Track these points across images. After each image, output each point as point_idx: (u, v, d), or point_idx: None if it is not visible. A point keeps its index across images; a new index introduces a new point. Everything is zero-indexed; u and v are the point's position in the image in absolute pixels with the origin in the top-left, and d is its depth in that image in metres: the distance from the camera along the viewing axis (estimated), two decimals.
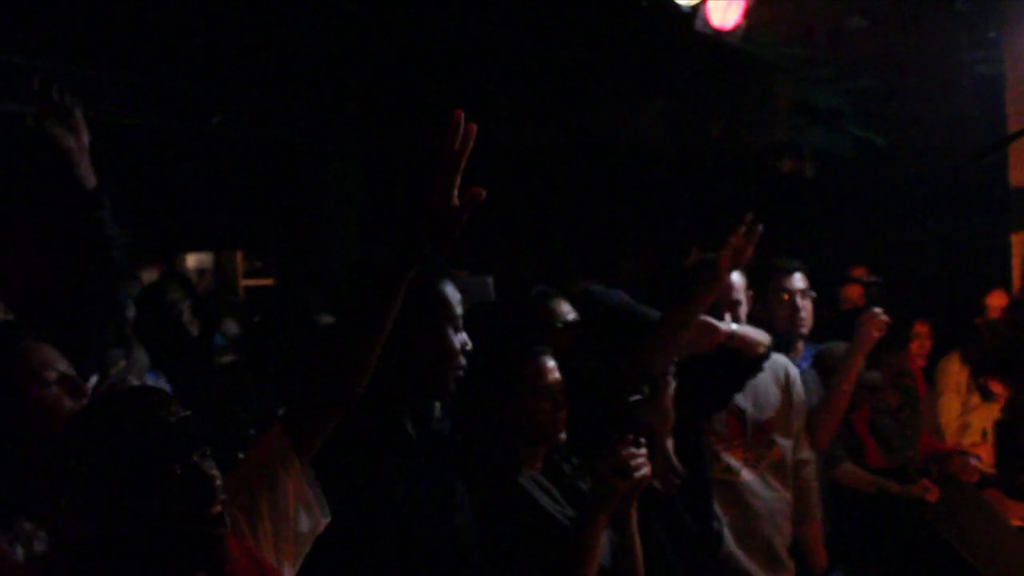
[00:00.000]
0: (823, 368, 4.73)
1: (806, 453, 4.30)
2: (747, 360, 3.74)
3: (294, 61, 8.04)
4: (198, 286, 8.21)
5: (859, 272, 6.89)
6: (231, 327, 5.70)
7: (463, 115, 2.01)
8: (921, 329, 6.06)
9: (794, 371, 4.30)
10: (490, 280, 3.64)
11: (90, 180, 2.79)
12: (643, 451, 2.85)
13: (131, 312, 3.66)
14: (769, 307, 4.39)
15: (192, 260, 11.01)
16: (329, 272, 8.36)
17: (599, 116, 8.73)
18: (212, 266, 11.33)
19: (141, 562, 1.83)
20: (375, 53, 7.95)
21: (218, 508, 1.85)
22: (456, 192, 2.03)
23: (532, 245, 8.68)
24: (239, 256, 11.34)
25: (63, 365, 2.15)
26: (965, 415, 6.04)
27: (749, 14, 6.13)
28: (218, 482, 1.85)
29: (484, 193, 2.01)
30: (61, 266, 2.94)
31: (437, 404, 3.06)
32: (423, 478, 2.54)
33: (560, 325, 3.50)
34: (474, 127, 2.01)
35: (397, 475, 2.46)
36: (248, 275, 11.29)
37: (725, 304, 3.95)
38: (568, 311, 3.58)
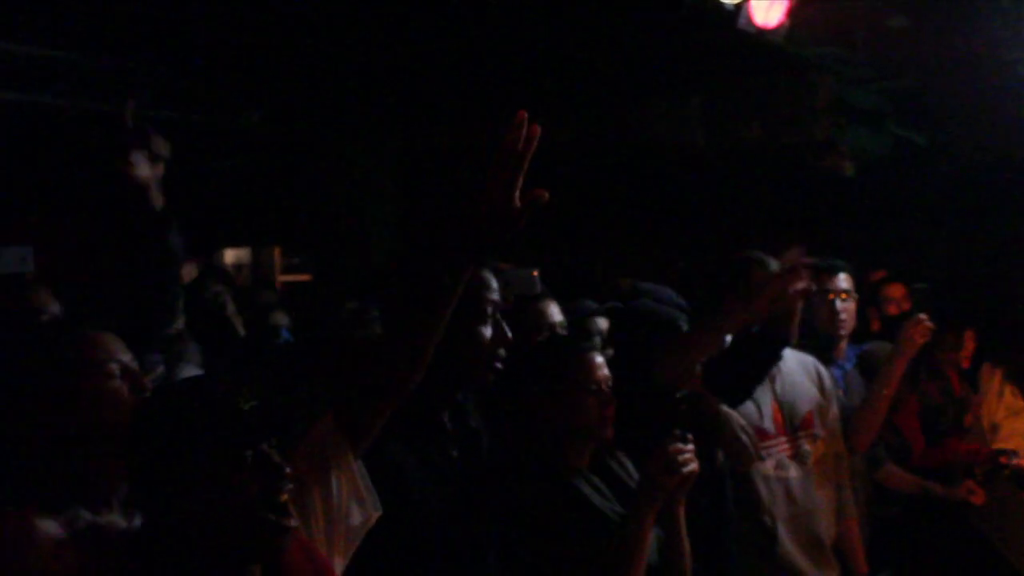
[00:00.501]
0: (866, 369, 4.71)
1: (841, 448, 4.27)
2: (766, 350, 3.69)
3: (332, 58, 8.07)
4: (236, 282, 8.28)
5: (880, 275, 6.82)
6: (281, 319, 5.74)
7: (527, 115, 1.99)
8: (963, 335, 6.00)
9: (822, 367, 4.28)
10: (535, 273, 3.63)
11: (158, 202, 2.86)
12: (690, 447, 2.85)
13: (181, 320, 3.72)
14: (811, 307, 4.36)
15: (230, 256, 11.07)
16: (366, 267, 8.40)
17: (636, 114, 8.72)
18: (249, 262, 11.39)
19: (205, 548, 1.85)
20: (413, 49, 7.97)
21: (285, 497, 1.86)
22: (517, 193, 2.02)
23: (572, 242, 8.70)
24: (276, 252, 11.39)
25: (127, 357, 2.17)
26: (1008, 418, 5.99)
27: (792, 13, 6.11)
28: (287, 471, 1.87)
29: (547, 195, 2.00)
30: (117, 265, 2.99)
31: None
32: (452, 469, 2.54)
33: (547, 329, 3.47)
34: (537, 127, 1.99)
35: (421, 470, 2.45)
36: (285, 271, 11.34)
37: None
38: (555, 313, 3.56)
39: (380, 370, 2.17)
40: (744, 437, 3.46)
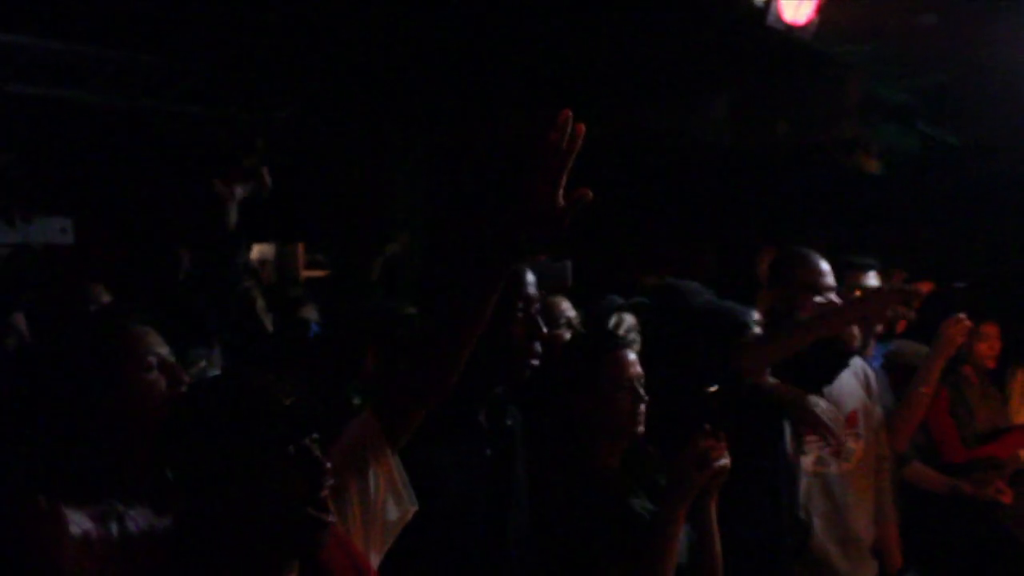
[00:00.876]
0: (893, 368, 4.69)
1: (885, 451, 4.27)
2: (836, 353, 3.69)
3: (359, 54, 8.08)
4: (261, 277, 8.30)
5: (897, 274, 6.77)
6: (311, 314, 5.75)
7: (570, 114, 1.97)
8: (989, 330, 5.96)
9: (870, 370, 4.28)
10: (568, 264, 3.62)
11: (233, 220, 2.93)
12: (722, 443, 2.84)
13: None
14: None
15: (254, 252, 11.09)
16: (393, 264, 8.41)
17: (663, 111, 8.70)
18: (274, 257, 11.41)
19: (244, 543, 1.86)
20: (440, 45, 7.97)
21: (325, 492, 1.87)
22: (562, 192, 2.01)
23: (599, 239, 8.67)
24: (300, 248, 11.41)
25: (164, 351, 2.18)
26: None
27: (821, 10, 6.08)
28: (328, 466, 1.87)
29: (591, 194, 1.98)
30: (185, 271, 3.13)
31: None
32: (486, 468, 2.53)
33: (561, 325, 3.47)
34: (582, 126, 1.98)
35: (455, 463, 2.45)
36: (310, 267, 11.36)
37: (821, 290, 3.93)
38: (568, 308, 3.54)
39: (420, 367, 2.17)
40: (828, 422, 3.49)
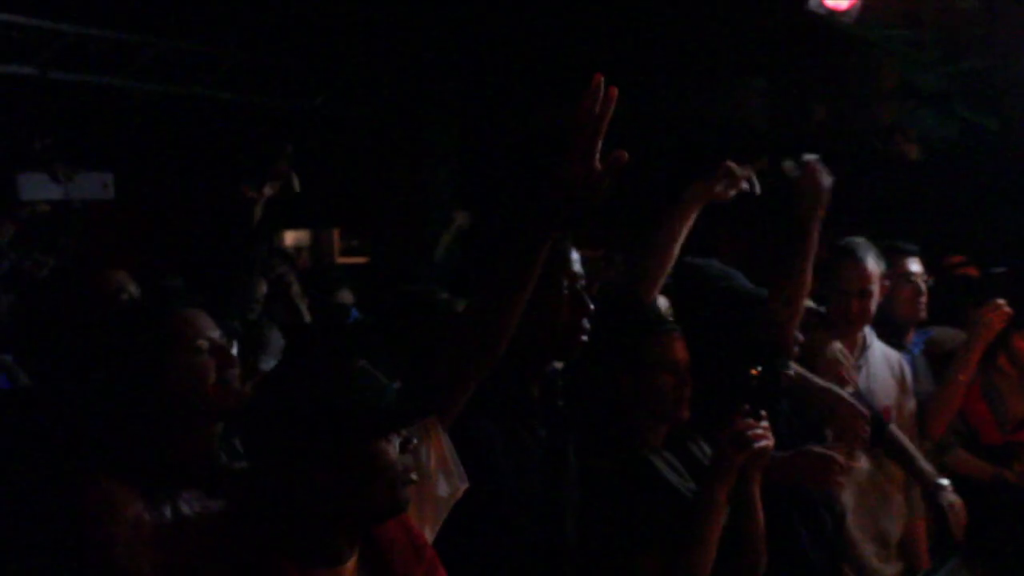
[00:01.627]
0: (933, 355, 4.64)
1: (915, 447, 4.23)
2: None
3: (394, 41, 8.09)
4: (297, 263, 8.33)
5: (956, 259, 6.72)
6: (347, 297, 5.78)
7: (603, 79, 1.99)
8: None
9: (906, 363, 4.26)
10: (620, 259, 3.60)
11: (256, 219, 2.97)
12: (763, 423, 2.82)
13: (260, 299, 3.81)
14: (891, 290, 4.29)
15: (290, 238, 11.14)
16: (427, 250, 8.41)
17: (699, 95, 8.66)
18: (309, 244, 11.46)
19: (320, 522, 1.89)
20: (477, 31, 7.97)
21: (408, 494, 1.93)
22: (598, 156, 2.02)
23: (631, 223, 8.63)
24: (336, 234, 11.45)
25: (216, 334, 2.19)
26: None
27: None
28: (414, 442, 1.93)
29: (627, 156, 1.99)
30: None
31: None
32: (538, 447, 2.53)
33: None
34: (615, 89, 1.99)
35: (509, 440, 2.45)
36: (344, 253, 11.40)
37: (855, 293, 3.91)
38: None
39: (466, 342, 2.18)
40: (856, 421, 3.47)
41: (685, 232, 3.22)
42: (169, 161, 8.46)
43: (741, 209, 3.45)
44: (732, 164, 3.33)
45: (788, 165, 3.39)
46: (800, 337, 3.47)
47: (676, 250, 3.21)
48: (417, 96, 8.86)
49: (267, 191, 3.30)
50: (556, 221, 2.08)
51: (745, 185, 3.40)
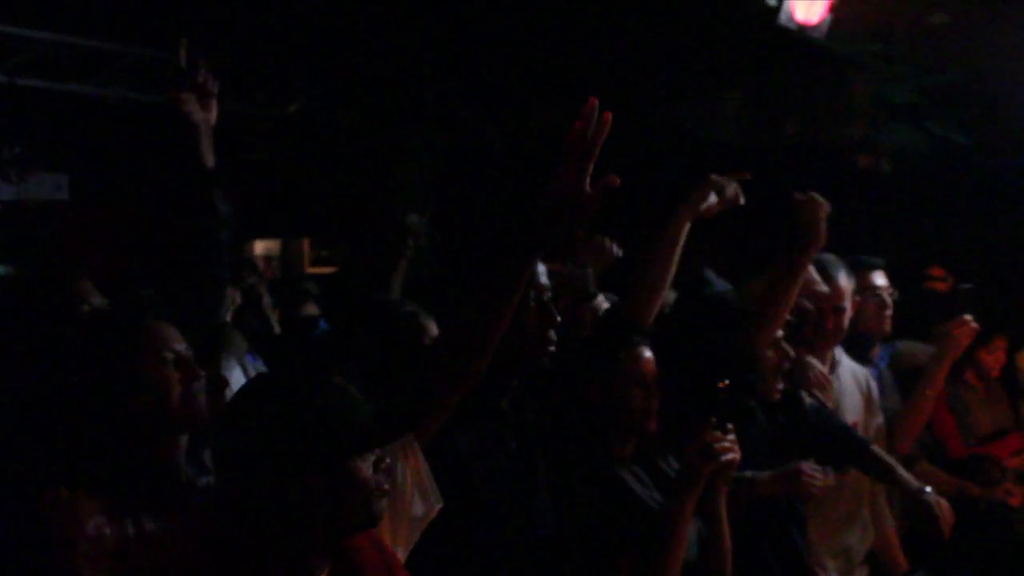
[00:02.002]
0: (899, 369, 4.66)
1: None
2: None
3: (370, 50, 8.08)
4: (264, 273, 8.30)
5: (936, 272, 6.75)
6: (312, 310, 5.76)
7: (597, 103, 2.00)
8: (998, 343, 5.88)
9: (872, 379, 4.29)
10: (591, 272, 3.59)
11: (209, 159, 2.79)
12: (730, 436, 2.84)
13: (230, 299, 3.68)
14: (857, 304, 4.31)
15: (260, 247, 11.10)
16: (397, 260, 8.38)
17: (673, 109, 8.68)
18: (279, 253, 11.41)
19: (287, 539, 1.87)
20: (450, 42, 7.97)
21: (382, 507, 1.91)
22: (588, 180, 2.03)
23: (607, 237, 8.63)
24: (306, 244, 11.40)
25: (182, 346, 2.18)
26: None
27: (833, 9, 6.07)
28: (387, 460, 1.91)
29: (618, 181, 2.00)
30: (157, 247, 2.97)
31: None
32: (508, 460, 2.54)
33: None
34: (609, 114, 2.00)
35: (480, 452, 2.46)
36: (315, 263, 11.36)
37: (829, 310, 3.92)
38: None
39: (448, 359, 2.18)
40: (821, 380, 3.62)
41: (679, 247, 3.23)
42: (135, 167, 8.40)
43: (723, 220, 3.47)
44: (716, 177, 3.34)
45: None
46: (791, 352, 3.50)
47: (673, 265, 3.22)
48: (391, 104, 8.84)
49: (190, 103, 2.79)
50: (543, 241, 2.08)
51: (734, 199, 3.41)
